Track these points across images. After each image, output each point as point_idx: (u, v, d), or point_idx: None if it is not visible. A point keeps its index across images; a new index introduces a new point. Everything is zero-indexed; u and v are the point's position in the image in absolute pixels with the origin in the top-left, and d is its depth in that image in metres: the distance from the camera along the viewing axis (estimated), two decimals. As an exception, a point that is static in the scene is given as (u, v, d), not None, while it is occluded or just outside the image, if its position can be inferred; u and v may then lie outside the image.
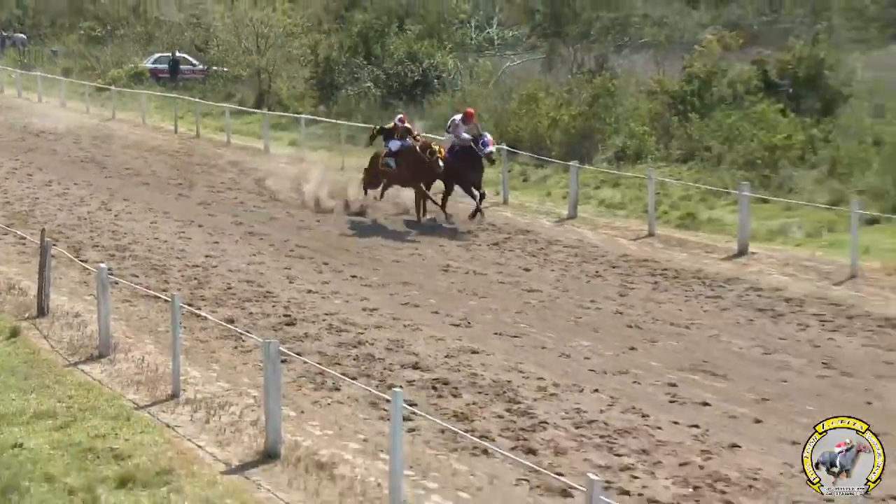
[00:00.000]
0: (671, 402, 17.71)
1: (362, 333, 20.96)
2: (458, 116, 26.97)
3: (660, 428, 16.53)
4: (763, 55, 41.82)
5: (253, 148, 44.41)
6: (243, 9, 54.46)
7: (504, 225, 30.82)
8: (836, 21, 50.40)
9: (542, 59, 50.75)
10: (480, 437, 15.50)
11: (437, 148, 26.16)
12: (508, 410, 17.09)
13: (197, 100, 51.88)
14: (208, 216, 32.46)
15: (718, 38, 44.22)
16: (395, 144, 26.66)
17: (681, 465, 15.20)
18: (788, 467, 15.12)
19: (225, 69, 56.12)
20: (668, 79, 41.70)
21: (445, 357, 19.58)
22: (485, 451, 14.99)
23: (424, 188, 27.40)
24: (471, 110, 27.63)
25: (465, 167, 26.39)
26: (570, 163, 33.15)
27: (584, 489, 10.90)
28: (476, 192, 26.99)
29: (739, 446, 15.93)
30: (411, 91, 46.94)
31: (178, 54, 63.24)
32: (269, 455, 15.22)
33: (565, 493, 13.67)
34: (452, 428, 15.34)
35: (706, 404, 17.64)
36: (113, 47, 68.26)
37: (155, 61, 64.06)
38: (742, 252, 27.69)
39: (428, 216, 29.44)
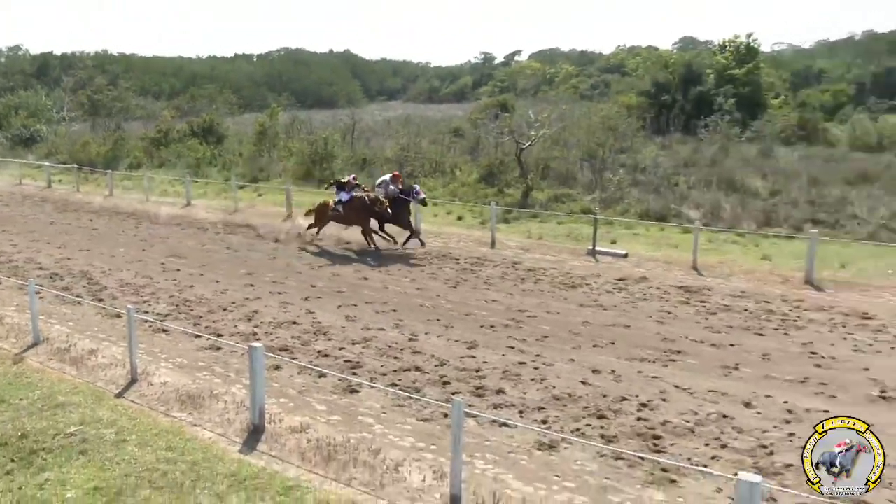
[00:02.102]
0: (164, 270, 17.50)
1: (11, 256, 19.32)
2: (388, 177, 19.84)
3: (159, 283, 16.35)
4: (192, 119, 42.18)
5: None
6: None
7: (92, 202, 28.88)
8: (221, 102, 53.13)
9: (90, 125, 49.66)
10: (76, 296, 14.99)
11: (383, 200, 19.19)
12: (88, 283, 16.41)
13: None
14: None
15: (169, 113, 44.19)
16: (346, 196, 19.56)
17: (170, 297, 15.20)
18: (235, 291, 15.46)
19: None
20: (149, 131, 40.74)
21: (55, 262, 18.34)
22: (78, 302, 14.46)
23: (379, 225, 19.88)
24: (398, 173, 20.65)
25: (399, 209, 19.42)
26: (108, 170, 31.38)
27: (125, 312, 11.05)
28: (412, 228, 19.61)
29: (194, 286, 15.99)
30: (26, 143, 44.59)
31: None
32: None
33: (118, 315, 13.23)
34: (60, 293, 14.95)
35: (179, 270, 17.50)
36: None
37: None
38: (188, 203, 26.78)
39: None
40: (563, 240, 19.88)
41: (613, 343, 12.18)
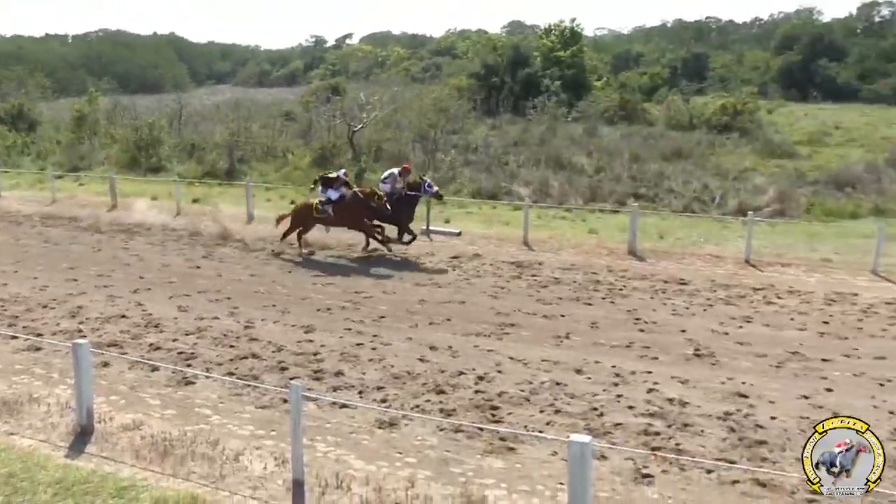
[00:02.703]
0: (15, 272, 15.67)
1: None
2: (396, 171, 16.87)
3: (7, 285, 15.04)
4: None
5: None
6: None
7: None
8: (32, 86, 46.13)
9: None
10: None
11: (381, 193, 16.28)
12: None
13: None
14: None
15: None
16: (335, 193, 16.33)
17: (18, 300, 14.03)
18: (56, 287, 14.40)
19: None
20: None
21: None
22: None
23: (373, 226, 16.70)
24: (407, 165, 17.63)
25: (407, 208, 16.61)
26: None
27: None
28: (409, 232, 16.88)
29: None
30: None
31: None
32: None
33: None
34: None
35: (38, 275, 16.16)
36: None
37: None
38: (54, 202, 24.74)
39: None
40: (399, 220, 19.98)
41: (449, 320, 12.40)
